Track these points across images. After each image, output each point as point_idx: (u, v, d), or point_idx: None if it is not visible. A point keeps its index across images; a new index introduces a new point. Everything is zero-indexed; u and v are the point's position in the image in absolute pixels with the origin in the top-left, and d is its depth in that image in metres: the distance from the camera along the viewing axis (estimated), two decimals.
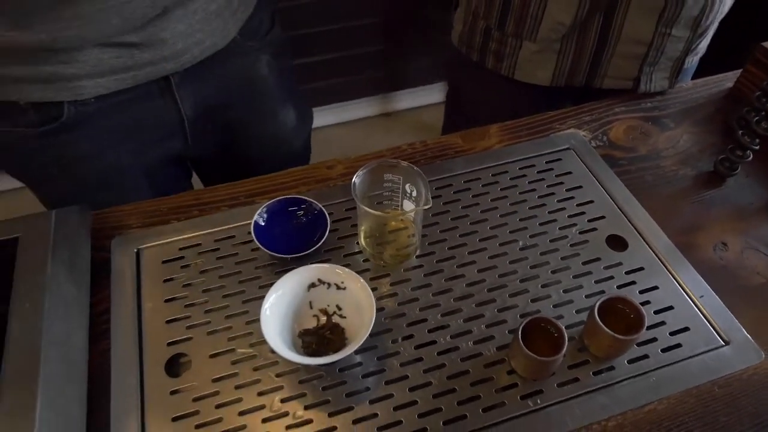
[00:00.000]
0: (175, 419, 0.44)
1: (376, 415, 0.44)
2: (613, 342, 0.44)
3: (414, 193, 0.52)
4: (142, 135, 0.65)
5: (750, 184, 0.61)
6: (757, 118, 0.56)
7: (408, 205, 0.53)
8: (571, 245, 0.55)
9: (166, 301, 0.51)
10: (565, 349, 0.43)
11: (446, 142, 0.66)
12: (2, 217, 0.50)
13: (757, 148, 0.57)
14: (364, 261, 0.54)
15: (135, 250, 0.54)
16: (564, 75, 0.72)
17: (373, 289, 0.49)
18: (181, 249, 0.55)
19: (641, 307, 0.44)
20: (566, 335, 0.43)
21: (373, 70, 1.79)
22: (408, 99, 1.91)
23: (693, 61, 0.74)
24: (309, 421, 0.43)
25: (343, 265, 0.47)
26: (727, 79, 0.73)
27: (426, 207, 0.48)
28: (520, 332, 0.43)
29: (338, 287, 0.47)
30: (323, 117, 1.80)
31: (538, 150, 0.64)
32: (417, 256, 0.54)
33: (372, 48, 1.70)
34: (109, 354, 0.47)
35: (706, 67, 0.79)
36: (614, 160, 0.64)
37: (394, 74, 1.83)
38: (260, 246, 0.52)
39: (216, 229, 0.56)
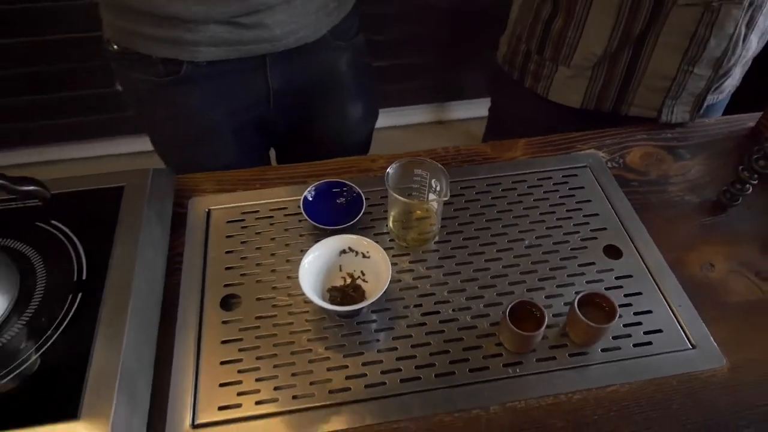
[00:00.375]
0: (223, 342, 0.55)
1: (381, 361, 0.54)
2: (588, 329, 0.52)
3: (438, 188, 0.61)
4: (236, 100, 0.79)
5: (748, 215, 0.66)
6: (756, 156, 0.62)
7: (431, 197, 0.62)
8: (571, 249, 0.63)
9: (227, 252, 0.63)
10: (543, 327, 0.51)
11: (477, 150, 0.75)
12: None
13: (755, 182, 0.63)
14: (390, 240, 0.64)
15: (206, 210, 0.67)
16: (594, 99, 0.80)
17: (394, 264, 0.59)
18: (242, 213, 0.67)
19: (615, 302, 0.52)
20: (547, 317, 0.51)
21: (431, 80, 1.90)
22: (460, 110, 2.00)
23: (718, 98, 0.79)
24: (327, 359, 0.54)
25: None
26: (750, 119, 0.78)
27: (444, 199, 0.57)
28: (507, 310, 0.52)
29: (364, 256, 0.57)
30: (382, 119, 1.92)
31: (557, 165, 0.72)
32: (435, 242, 0.64)
33: (431, 59, 1.81)
34: (178, 287, 0.59)
35: (741, 104, 0.84)
36: (626, 180, 0.71)
37: (449, 85, 1.92)
38: (306, 217, 0.63)
39: (272, 200, 0.68)
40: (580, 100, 0.80)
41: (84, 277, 0.50)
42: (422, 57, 1.81)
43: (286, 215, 0.66)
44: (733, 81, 0.79)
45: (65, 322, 0.47)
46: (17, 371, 0.45)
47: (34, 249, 0.52)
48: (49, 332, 0.47)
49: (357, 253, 0.57)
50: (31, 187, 0.47)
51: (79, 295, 0.49)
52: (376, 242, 0.58)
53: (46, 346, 0.46)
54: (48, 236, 0.54)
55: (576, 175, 0.71)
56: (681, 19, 0.68)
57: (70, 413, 0.41)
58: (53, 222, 0.55)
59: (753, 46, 0.73)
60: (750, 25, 0.70)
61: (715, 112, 0.84)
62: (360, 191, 0.65)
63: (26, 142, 1.71)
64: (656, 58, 0.72)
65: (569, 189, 0.69)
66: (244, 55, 0.73)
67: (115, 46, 0.74)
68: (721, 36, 0.69)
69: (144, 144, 0.89)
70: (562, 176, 0.71)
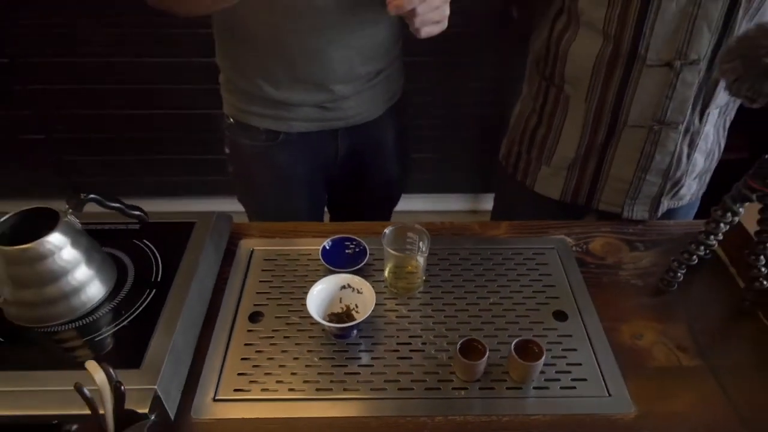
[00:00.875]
0: (246, 344, 0.73)
1: (359, 373, 0.70)
2: (519, 365, 0.67)
3: (424, 248, 0.79)
4: (314, 160, 1.04)
5: (681, 300, 0.79)
6: (683, 251, 0.77)
7: (419, 256, 0.81)
8: (527, 309, 0.78)
9: (260, 281, 0.83)
10: (485, 358, 0.66)
11: (467, 226, 0.93)
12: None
13: (684, 271, 0.77)
14: (384, 286, 0.82)
15: (251, 250, 0.88)
16: (569, 194, 0.97)
17: (383, 304, 0.77)
18: (276, 254, 0.87)
19: (543, 347, 0.67)
20: (488, 351, 0.67)
21: (468, 172, 2.13)
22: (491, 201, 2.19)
23: (678, 204, 0.95)
24: (319, 366, 0.71)
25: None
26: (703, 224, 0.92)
27: (425, 255, 0.75)
28: (459, 345, 0.68)
29: (358, 292, 0.75)
30: (422, 202, 2.14)
31: (530, 244, 0.89)
32: (419, 292, 0.81)
33: (468, 154, 2.06)
34: (221, 301, 0.79)
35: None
36: (585, 262, 0.86)
37: (483, 179, 2.13)
38: (323, 262, 0.82)
39: (301, 247, 0.88)
40: (559, 193, 0.98)
41: (159, 280, 0.72)
42: (459, 151, 2.06)
43: (309, 259, 0.86)
44: (689, 191, 0.94)
45: (141, 307, 0.68)
46: (106, 333, 0.65)
47: (129, 257, 0.75)
48: (130, 312, 0.67)
49: (353, 289, 0.76)
50: (137, 212, 0.70)
51: (153, 290, 0.70)
52: (372, 286, 0.76)
53: (126, 321, 0.67)
54: (139, 250, 0.76)
55: (544, 254, 0.87)
56: (631, 137, 0.86)
57: (135, 364, 0.61)
58: (144, 241, 0.77)
59: (699, 163, 0.90)
60: (692, 146, 0.87)
61: (680, 216, 0.99)
62: (366, 246, 0.84)
63: (138, 193, 2.06)
64: (616, 164, 0.90)
65: (536, 264, 0.86)
66: (324, 128, 0.99)
67: (231, 120, 1.02)
68: (664, 153, 0.86)
69: (225, 205, 1.13)
70: (533, 253, 0.87)
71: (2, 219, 0.63)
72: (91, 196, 0.66)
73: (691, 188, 0.94)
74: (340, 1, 0.82)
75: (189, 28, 1.64)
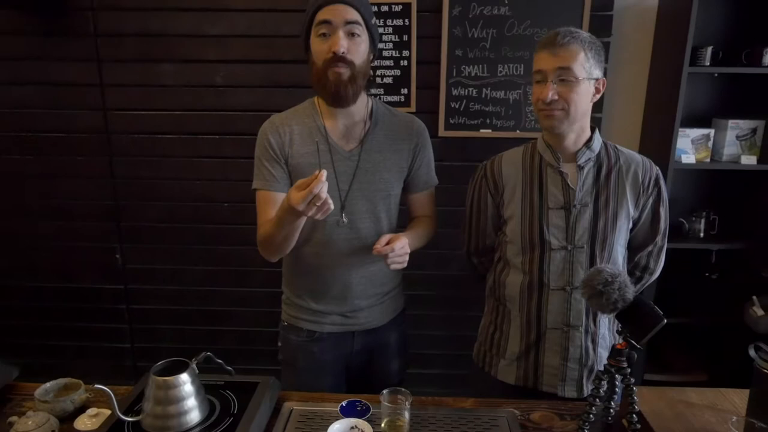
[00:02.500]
0: None
1: None
2: None
3: (408, 405, 1.17)
4: (337, 351, 1.47)
5: None
6: (583, 414, 1.12)
7: (405, 415, 1.18)
8: None
9: (296, 428, 1.20)
10: None
11: (442, 400, 1.30)
12: None
13: (588, 427, 1.11)
14: None
15: (291, 409, 1.27)
16: (521, 380, 1.35)
17: None
18: (309, 412, 1.25)
19: None
20: None
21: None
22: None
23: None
24: None
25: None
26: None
27: (408, 409, 1.14)
28: None
29: (361, 431, 1.12)
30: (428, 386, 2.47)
31: (486, 413, 1.25)
32: None
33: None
34: None
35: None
36: (526, 427, 1.20)
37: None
38: (340, 414, 1.20)
39: (326, 408, 1.26)
40: (514, 379, 1.36)
41: (235, 412, 1.12)
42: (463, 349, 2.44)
43: (331, 416, 1.24)
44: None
45: (223, 428, 1.07)
46: None
47: (217, 399, 1.16)
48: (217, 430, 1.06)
49: (358, 429, 1.13)
50: (230, 368, 1.14)
51: (230, 420, 1.10)
52: (372, 427, 1.13)
53: None
54: (223, 396, 1.17)
55: (495, 419, 1.22)
56: (552, 336, 1.29)
57: None
58: (227, 391, 1.19)
59: (604, 357, 1.29)
60: (594, 342, 1.28)
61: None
62: (369, 405, 1.23)
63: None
64: (547, 356, 1.31)
65: (490, 425, 1.20)
66: (344, 330, 1.45)
67: (286, 323, 1.50)
68: (575, 346, 1.27)
69: None
70: (488, 418, 1.23)
71: (159, 363, 1.09)
72: (207, 353, 1.12)
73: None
74: (356, 249, 1.38)
75: (259, 267, 2.31)
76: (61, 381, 1.25)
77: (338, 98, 1.28)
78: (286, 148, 1.35)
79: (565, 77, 1.21)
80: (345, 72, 1.25)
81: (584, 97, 1.24)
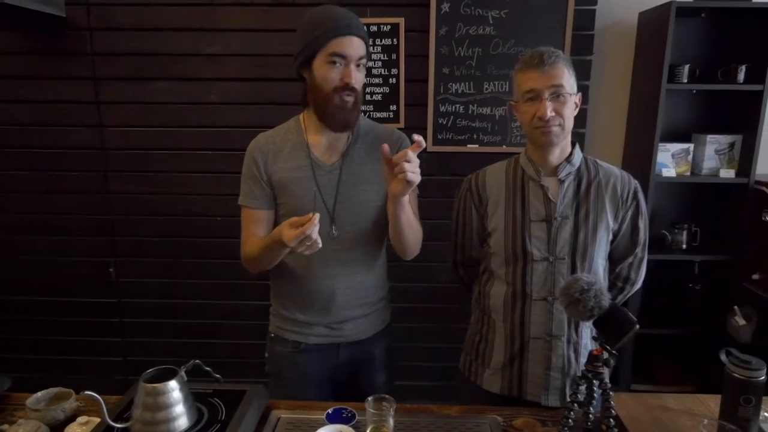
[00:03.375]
0: None
1: None
2: None
3: (392, 411, 1.20)
4: (322, 363, 1.49)
5: None
6: (562, 419, 1.15)
7: (390, 422, 1.20)
8: None
9: None
10: None
11: (428, 407, 1.33)
12: None
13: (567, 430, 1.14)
14: None
15: (278, 417, 1.29)
16: (506, 389, 1.38)
17: None
18: (296, 419, 1.28)
19: None
20: None
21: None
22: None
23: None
24: None
25: None
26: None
27: (392, 416, 1.16)
28: None
29: None
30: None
31: (472, 420, 1.27)
32: None
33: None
34: None
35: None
36: None
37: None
38: (326, 421, 1.23)
39: (313, 416, 1.29)
40: (498, 389, 1.39)
41: (222, 418, 1.14)
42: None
43: (317, 423, 1.26)
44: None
45: None
46: None
47: (205, 406, 1.18)
48: None
49: None
50: (218, 376, 1.17)
51: (218, 426, 1.12)
52: None
53: None
54: (211, 403, 1.20)
55: (479, 425, 1.25)
56: (536, 345, 1.33)
57: None
58: (215, 399, 1.22)
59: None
60: (576, 352, 1.32)
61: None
62: (355, 412, 1.25)
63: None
64: (531, 365, 1.34)
65: (475, 430, 1.23)
66: (330, 342, 1.48)
67: (273, 334, 1.53)
68: (557, 356, 1.31)
69: None
70: (473, 424, 1.25)
71: (148, 371, 1.11)
72: (196, 361, 1.15)
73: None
74: (342, 260, 1.42)
75: (250, 280, 2.33)
76: (52, 390, 1.27)
77: (346, 124, 1.36)
78: (270, 166, 1.41)
79: (559, 93, 1.27)
80: (350, 100, 1.33)
81: (573, 112, 1.30)
